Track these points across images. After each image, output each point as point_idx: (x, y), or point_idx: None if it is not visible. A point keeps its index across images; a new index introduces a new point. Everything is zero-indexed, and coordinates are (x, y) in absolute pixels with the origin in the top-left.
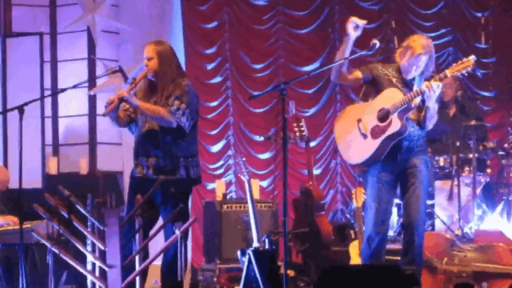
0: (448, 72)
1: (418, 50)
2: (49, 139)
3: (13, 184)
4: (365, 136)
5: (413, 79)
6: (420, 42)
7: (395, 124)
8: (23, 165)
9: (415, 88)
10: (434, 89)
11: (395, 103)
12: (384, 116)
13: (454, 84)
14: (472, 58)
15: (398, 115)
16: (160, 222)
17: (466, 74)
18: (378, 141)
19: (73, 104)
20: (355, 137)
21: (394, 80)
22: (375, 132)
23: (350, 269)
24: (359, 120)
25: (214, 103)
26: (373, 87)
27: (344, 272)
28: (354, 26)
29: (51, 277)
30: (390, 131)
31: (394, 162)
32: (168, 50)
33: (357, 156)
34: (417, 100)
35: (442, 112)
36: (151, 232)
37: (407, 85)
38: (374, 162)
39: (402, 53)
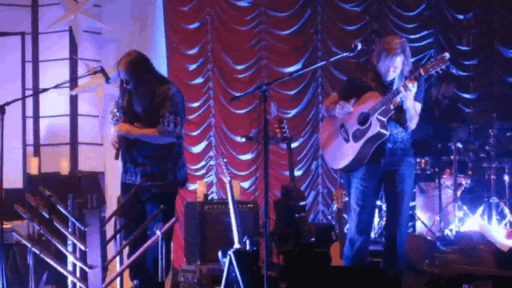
0: (422, 70)
1: (392, 51)
2: (30, 139)
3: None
4: (347, 140)
5: (393, 80)
6: (394, 43)
7: (374, 126)
8: (4, 164)
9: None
10: (409, 89)
11: (374, 105)
12: (364, 119)
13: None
14: (446, 55)
15: (377, 117)
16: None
17: (441, 72)
18: (359, 145)
19: (54, 104)
20: (339, 142)
21: (373, 84)
22: (356, 136)
23: (333, 271)
24: (341, 126)
25: (196, 104)
26: (355, 96)
27: (327, 273)
28: None
29: (31, 277)
30: (370, 133)
31: (378, 165)
32: (137, 58)
33: (341, 161)
34: (397, 100)
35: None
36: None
37: (387, 87)
38: (357, 166)
39: (377, 55)
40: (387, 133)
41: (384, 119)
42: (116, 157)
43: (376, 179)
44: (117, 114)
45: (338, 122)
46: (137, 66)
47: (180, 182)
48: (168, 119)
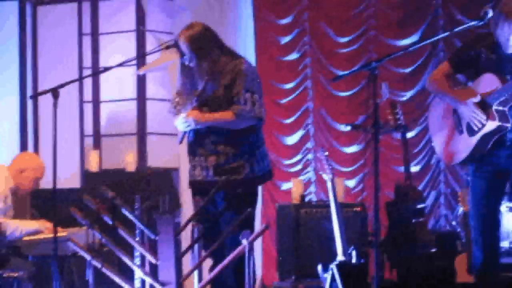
0: None
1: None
2: (89, 128)
3: (46, 183)
4: (460, 131)
5: None
6: None
7: (493, 119)
8: (58, 160)
9: None
10: None
11: (493, 94)
12: (481, 107)
13: None
14: None
15: (496, 109)
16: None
17: None
18: (474, 140)
19: (118, 87)
20: (450, 131)
21: (493, 57)
22: (471, 129)
23: None
24: (454, 111)
25: (290, 85)
26: (470, 70)
27: None
28: None
29: None
30: (488, 128)
31: (498, 159)
32: (201, 31)
33: (454, 156)
34: None
35: None
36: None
37: (509, 61)
38: (472, 161)
39: (494, 21)
40: (509, 124)
41: (505, 108)
42: (181, 142)
43: (497, 174)
44: (183, 100)
45: (449, 105)
46: (201, 40)
47: (261, 177)
48: (245, 98)
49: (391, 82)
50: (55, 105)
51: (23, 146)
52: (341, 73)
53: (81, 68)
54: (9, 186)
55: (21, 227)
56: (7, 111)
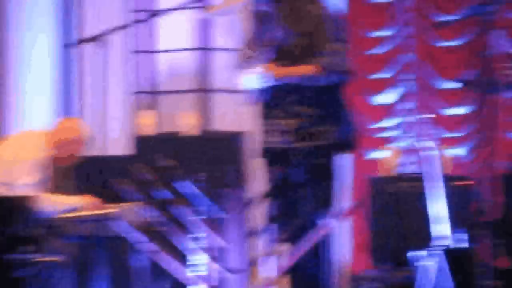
0: None
1: None
2: (142, 84)
3: (93, 149)
4: None
5: None
6: None
7: None
8: (107, 122)
9: None
10: None
11: None
12: None
13: None
14: None
15: None
16: None
17: None
18: None
19: (177, 34)
20: None
21: None
22: None
23: None
24: None
25: (385, 32)
26: None
27: None
28: None
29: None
30: None
31: None
32: None
33: None
34: None
35: None
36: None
37: None
38: None
39: None
40: None
41: None
42: (254, 103)
43: None
44: (256, 52)
45: None
46: None
47: (348, 143)
48: (332, 47)
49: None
50: (102, 55)
51: (65, 106)
52: (446, 17)
53: (133, 11)
54: (48, 154)
55: (61, 202)
56: (46, 63)
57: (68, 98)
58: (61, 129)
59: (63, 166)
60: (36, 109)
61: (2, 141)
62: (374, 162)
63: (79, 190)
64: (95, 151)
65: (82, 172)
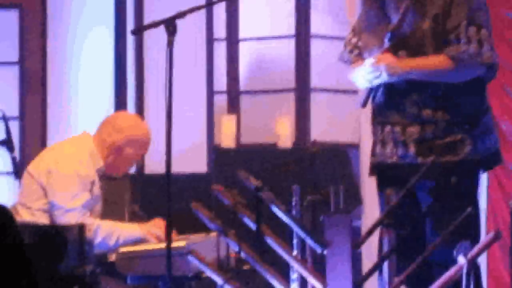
0: None
1: None
2: (221, 81)
3: (154, 165)
4: None
5: None
6: None
7: None
8: (174, 129)
9: None
10: None
11: None
12: None
13: None
14: None
15: None
16: None
17: None
18: None
19: (266, 18)
20: None
21: None
22: None
23: None
24: None
25: None
26: None
27: None
28: None
29: None
30: None
31: None
32: None
33: None
34: None
35: None
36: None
37: None
38: None
39: None
40: None
41: None
42: (364, 105)
43: None
44: (367, 40)
45: None
46: None
47: (486, 158)
48: (467, 34)
49: None
50: (169, 44)
51: (120, 105)
52: None
53: None
54: (97, 166)
55: (117, 232)
56: (98, 51)
57: (124, 99)
58: (113, 127)
59: (116, 182)
60: (89, 112)
61: (44, 150)
62: None
63: (137, 215)
64: (157, 165)
65: (141, 192)
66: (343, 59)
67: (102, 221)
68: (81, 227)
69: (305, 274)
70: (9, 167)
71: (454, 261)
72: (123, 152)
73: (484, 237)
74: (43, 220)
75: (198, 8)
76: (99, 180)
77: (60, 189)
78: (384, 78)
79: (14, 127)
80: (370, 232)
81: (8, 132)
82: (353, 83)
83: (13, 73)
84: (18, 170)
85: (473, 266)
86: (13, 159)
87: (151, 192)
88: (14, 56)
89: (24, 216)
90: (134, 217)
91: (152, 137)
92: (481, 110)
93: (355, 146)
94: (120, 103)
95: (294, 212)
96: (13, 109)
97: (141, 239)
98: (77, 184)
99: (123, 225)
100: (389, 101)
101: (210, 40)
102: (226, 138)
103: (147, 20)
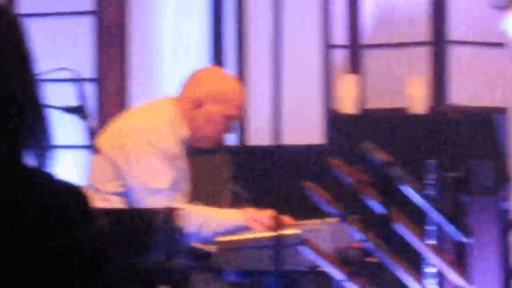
0: None
1: None
2: (339, 34)
3: (255, 134)
4: None
5: None
6: None
7: None
8: (283, 92)
9: None
10: None
11: None
12: None
13: None
14: None
15: None
16: None
17: None
18: None
19: None
20: None
21: None
22: None
23: None
24: None
25: None
26: None
27: None
28: None
29: None
30: None
31: None
32: None
33: None
34: None
35: None
36: None
37: None
38: None
39: None
40: None
41: None
42: None
43: None
44: None
45: None
46: None
47: None
48: None
49: None
50: None
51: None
52: None
53: None
54: (180, 136)
55: (214, 219)
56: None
57: (220, 56)
58: (201, 77)
59: (214, 156)
60: (176, 73)
61: (116, 120)
62: None
63: (241, 196)
64: (263, 136)
65: (246, 168)
66: (497, 4)
67: (195, 206)
68: (169, 213)
69: (444, 267)
70: (83, 139)
71: None
72: (204, 109)
73: None
74: (119, 205)
75: None
76: (186, 153)
77: (138, 167)
78: None
79: (89, 90)
80: None
81: (82, 96)
82: (505, 33)
83: (87, 25)
84: (94, 143)
85: None
86: (88, 129)
87: (256, 168)
88: (89, 4)
89: (95, 201)
90: (235, 200)
91: (255, 101)
92: None
93: (504, 111)
94: (216, 61)
95: (429, 192)
96: (87, 69)
97: (243, 227)
98: (158, 160)
99: (221, 211)
100: None
101: None
102: (346, 103)
103: None
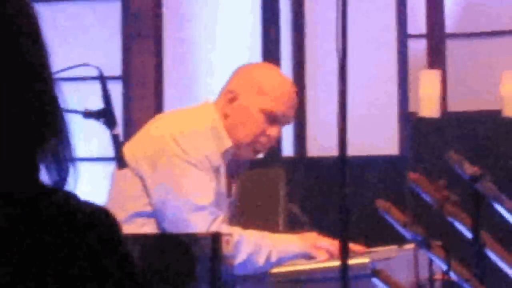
0: None
1: None
2: (418, 21)
3: (315, 144)
4: None
5: None
6: None
7: None
8: (349, 92)
9: None
10: None
11: None
12: None
13: None
14: None
15: None
16: None
17: None
18: None
19: None
20: None
21: None
22: None
23: None
24: None
25: None
26: None
27: None
28: None
29: None
30: None
31: None
32: None
33: None
34: None
35: None
36: None
37: None
38: None
39: None
40: None
41: None
42: None
43: None
44: None
45: None
46: None
47: None
48: None
49: None
50: None
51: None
52: None
53: None
54: (223, 146)
55: (268, 246)
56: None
57: (273, 46)
58: (237, 69)
59: (266, 169)
60: (222, 74)
61: (144, 127)
62: None
63: (299, 219)
64: (325, 145)
65: (305, 184)
66: None
67: (246, 231)
68: (215, 238)
69: None
70: (109, 150)
71: None
72: (238, 101)
73: None
74: (146, 229)
75: None
76: (228, 165)
77: (172, 180)
78: None
79: (116, 91)
80: None
81: (107, 99)
82: None
83: (115, 14)
84: (121, 155)
85: None
86: (115, 137)
87: (317, 184)
88: None
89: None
90: (292, 222)
91: (317, 104)
92: None
93: None
94: (268, 56)
95: None
96: (113, 67)
97: (303, 255)
98: (198, 171)
99: (276, 236)
100: None
101: None
102: (427, 104)
103: None
